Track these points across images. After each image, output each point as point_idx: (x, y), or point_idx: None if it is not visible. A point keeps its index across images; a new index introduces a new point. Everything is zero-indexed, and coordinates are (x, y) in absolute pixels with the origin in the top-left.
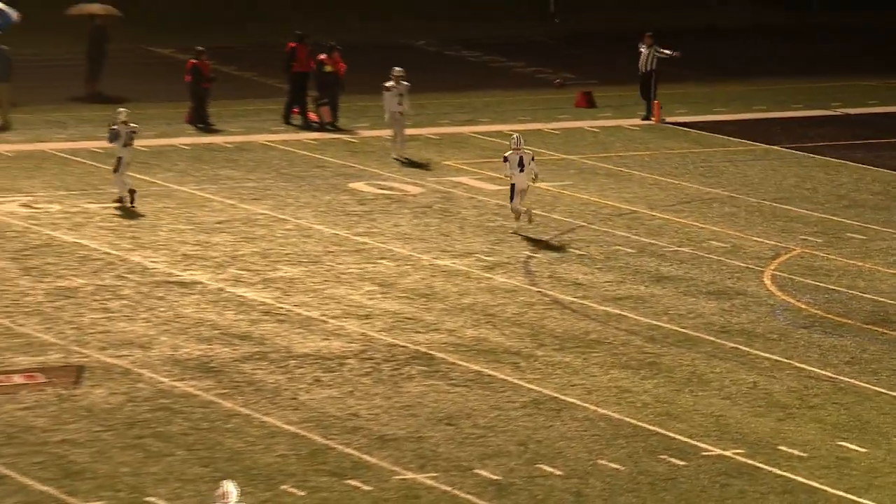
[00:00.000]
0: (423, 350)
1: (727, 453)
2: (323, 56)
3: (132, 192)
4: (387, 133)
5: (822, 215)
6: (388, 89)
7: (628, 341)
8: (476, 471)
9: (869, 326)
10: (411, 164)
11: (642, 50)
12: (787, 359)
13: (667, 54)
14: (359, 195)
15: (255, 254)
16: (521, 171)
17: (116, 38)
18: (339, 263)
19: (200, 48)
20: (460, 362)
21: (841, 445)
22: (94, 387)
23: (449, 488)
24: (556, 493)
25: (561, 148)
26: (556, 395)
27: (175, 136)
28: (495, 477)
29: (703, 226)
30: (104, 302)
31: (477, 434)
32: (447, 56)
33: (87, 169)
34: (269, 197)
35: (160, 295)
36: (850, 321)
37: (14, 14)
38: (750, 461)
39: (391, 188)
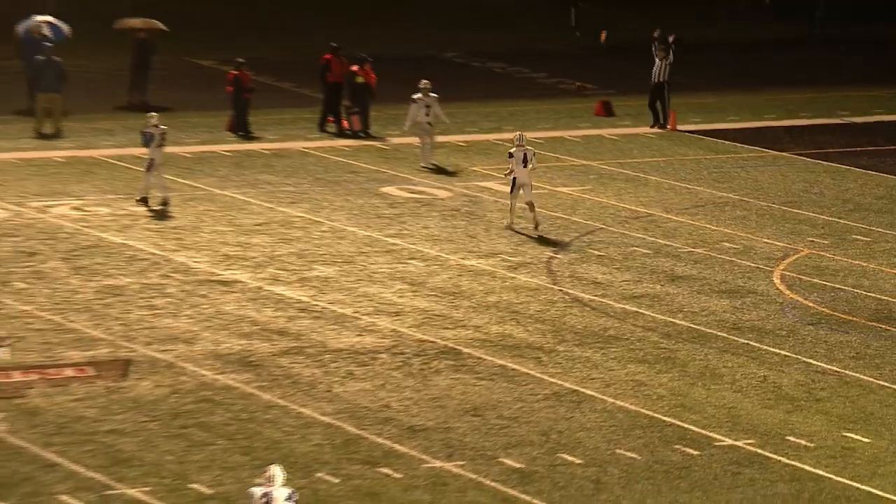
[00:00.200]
0: (451, 345)
1: (738, 443)
2: (355, 67)
3: (166, 197)
4: (416, 141)
5: (829, 218)
6: (415, 101)
7: (645, 337)
8: (501, 459)
9: (873, 323)
10: (440, 169)
11: (656, 60)
12: (795, 354)
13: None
14: (390, 199)
15: (291, 254)
16: (525, 166)
17: (162, 51)
18: (372, 263)
19: (241, 60)
20: (486, 357)
21: (846, 436)
22: (140, 379)
23: (475, 476)
24: (576, 480)
25: (581, 154)
26: (576, 387)
27: (217, 144)
28: (519, 465)
29: (716, 228)
30: (150, 299)
31: (501, 425)
32: (474, 67)
33: (134, 174)
34: (305, 200)
35: (203, 293)
36: (855, 318)
37: (66, 29)
38: (760, 451)
39: (421, 192)
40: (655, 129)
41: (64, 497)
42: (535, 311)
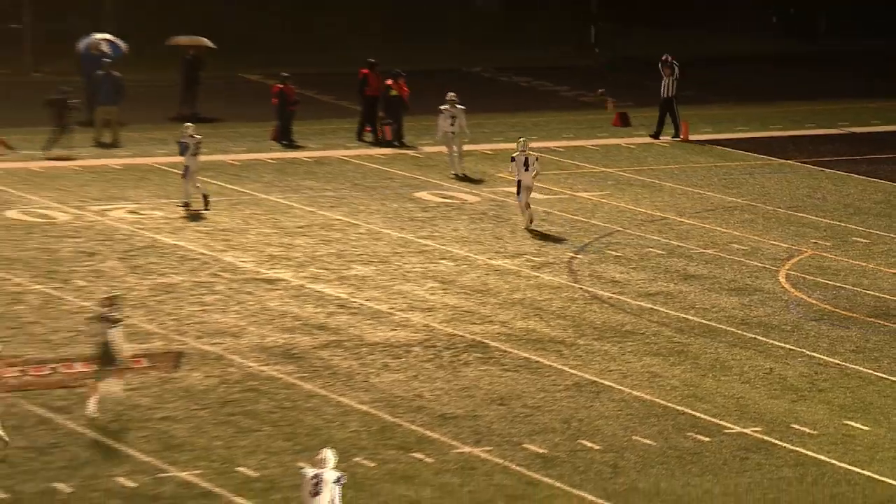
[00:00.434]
0: (479, 339)
1: (746, 431)
2: (390, 81)
3: (206, 196)
4: (445, 150)
5: (831, 221)
6: (442, 112)
7: (659, 332)
8: (525, 445)
9: (872, 319)
10: (468, 176)
11: (664, 77)
12: (799, 348)
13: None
14: (422, 203)
15: (331, 254)
16: (527, 170)
17: (211, 67)
18: (405, 263)
19: (285, 74)
20: (511, 350)
21: (847, 424)
22: (191, 370)
23: (501, 460)
24: (595, 465)
25: (600, 162)
26: (595, 379)
27: (262, 152)
28: (542, 451)
29: (726, 230)
30: (200, 296)
31: (526, 413)
32: (501, 81)
33: None
34: (344, 205)
35: (249, 290)
36: (855, 315)
37: (123, 45)
38: (766, 438)
39: (451, 197)
40: (668, 139)
41: (121, 479)
42: (557, 308)
